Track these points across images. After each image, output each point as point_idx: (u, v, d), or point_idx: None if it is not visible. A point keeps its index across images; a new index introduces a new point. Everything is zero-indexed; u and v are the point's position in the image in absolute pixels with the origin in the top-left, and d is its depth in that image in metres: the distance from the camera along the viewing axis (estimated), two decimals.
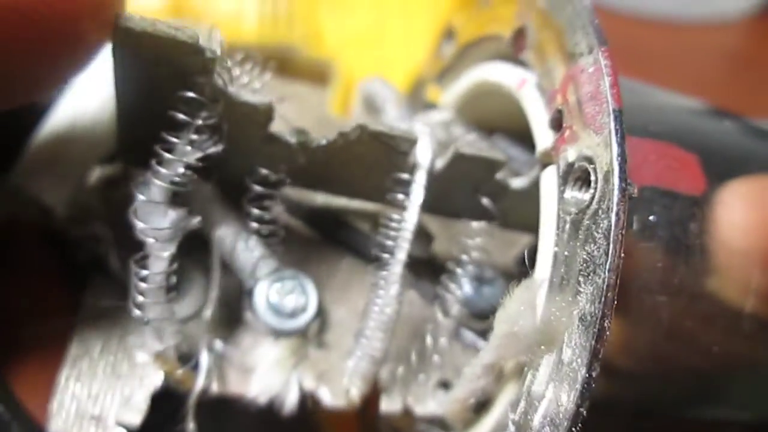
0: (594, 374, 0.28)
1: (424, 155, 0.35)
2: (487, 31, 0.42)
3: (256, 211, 0.36)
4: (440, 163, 0.36)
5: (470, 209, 0.40)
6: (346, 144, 0.34)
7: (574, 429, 0.28)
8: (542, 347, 0.30)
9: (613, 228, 0.28)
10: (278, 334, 0.37)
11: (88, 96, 0.37)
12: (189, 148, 0.31)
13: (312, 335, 0.38)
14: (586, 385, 0.28)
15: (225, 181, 0.37)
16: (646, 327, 0.33)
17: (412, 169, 0.36)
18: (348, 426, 0.51)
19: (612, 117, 0.30)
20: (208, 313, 0.35)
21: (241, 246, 0.37)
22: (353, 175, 0.37)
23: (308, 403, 0.37)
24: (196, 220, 0.32)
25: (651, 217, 0.33)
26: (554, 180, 0.33)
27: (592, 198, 0.30)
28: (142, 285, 0.31)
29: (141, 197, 0.31)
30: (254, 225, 0.37)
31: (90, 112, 0.37)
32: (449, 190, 0.38)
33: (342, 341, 0.39)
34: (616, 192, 0.28)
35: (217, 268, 0.36)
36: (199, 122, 0.31)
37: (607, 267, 0.28)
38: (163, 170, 0.31)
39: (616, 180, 0.29)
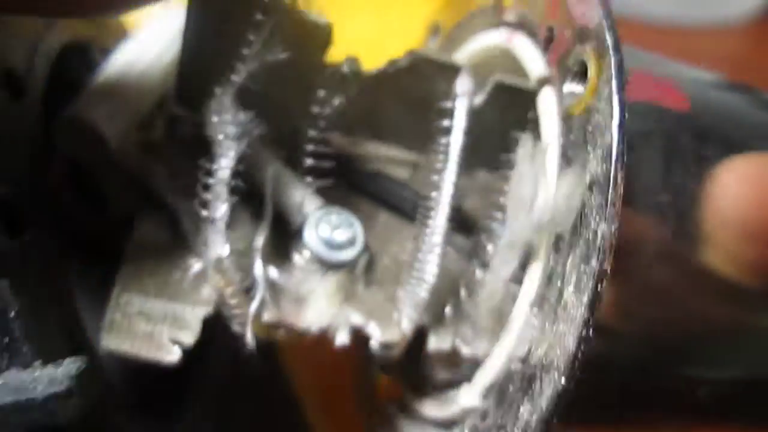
0: (615, 231, 0.28)
1: (465, 84, 0.37)
2: (469, 9, 0.45)
3: (308, 151, 0.38)
4: (479, 99, 0.39)
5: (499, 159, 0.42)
6: (396, 74, 0.37)
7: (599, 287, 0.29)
8: (556, 221, 0.31)
9: (615, 89, 0.30)
10: (328, 266, 0.37)
11: (147, 43, 0.39)
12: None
13: (360, 271, 0.38)
14: (608, 247, 0.28)
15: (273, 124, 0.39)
16: (637, 285, 0.34)
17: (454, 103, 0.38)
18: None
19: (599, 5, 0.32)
20: (260, 241, 0.35)
21: (290, 183, 0.38)
22: (397, 116, 0.39)
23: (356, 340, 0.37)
24: (260, 128, 0.33)
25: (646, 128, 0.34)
26: (553, 90, 0.35)
27: (592, 82, 0.31)
28: (209, 180, 0.32)
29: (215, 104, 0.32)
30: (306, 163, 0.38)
31: (148, 58, 0.39)
32: (484, 135, 0.40)
33: (388, 286, 0.39)
34: (612, 56, 0.30)
35: (269, 201, 0.37)
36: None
37: (614, 125, 0.29)
38: (234, 77, 0.33)
39: (611, 46, 0.30)
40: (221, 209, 0.32)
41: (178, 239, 0.36)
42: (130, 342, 0.32)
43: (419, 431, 0.42)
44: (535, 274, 0.34)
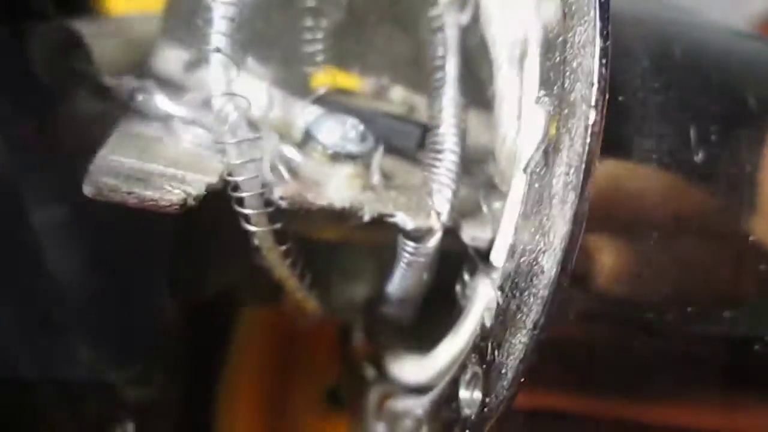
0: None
1: None
2: None
3: None
4: (465, 18, 0.39)
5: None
6: None
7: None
8: None
9: None
10: (343, 157, 0.33)
11: None
12: None
13: (376, 167, 0.34)
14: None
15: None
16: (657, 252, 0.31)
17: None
18: None
19: None
20: (273, 113, 0.32)
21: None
22: (386, 42, 0.39)
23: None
24: None
25: None
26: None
27: None
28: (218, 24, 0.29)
29: None
30: None
31: None
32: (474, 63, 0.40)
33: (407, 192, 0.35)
34: None
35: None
36: None
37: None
38: None
39: None
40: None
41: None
42: (126, 183, 0.26)
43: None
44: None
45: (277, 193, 0.30)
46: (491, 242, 0.33)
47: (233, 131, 0.29)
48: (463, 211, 0.34)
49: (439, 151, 0.34)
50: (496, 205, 0.34)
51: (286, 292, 0.36)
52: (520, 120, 0.32)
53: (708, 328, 0.32)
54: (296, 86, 0.37)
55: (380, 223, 0.33)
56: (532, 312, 0.26)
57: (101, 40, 0.34)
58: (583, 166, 0.24)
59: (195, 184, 0.28)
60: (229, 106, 0.29)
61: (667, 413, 0.34)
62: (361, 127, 0.35)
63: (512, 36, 0.33)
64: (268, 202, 0.30)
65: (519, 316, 0.27)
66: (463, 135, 0.34)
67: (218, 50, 0.28)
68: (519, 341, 0.27)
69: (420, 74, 0.39)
